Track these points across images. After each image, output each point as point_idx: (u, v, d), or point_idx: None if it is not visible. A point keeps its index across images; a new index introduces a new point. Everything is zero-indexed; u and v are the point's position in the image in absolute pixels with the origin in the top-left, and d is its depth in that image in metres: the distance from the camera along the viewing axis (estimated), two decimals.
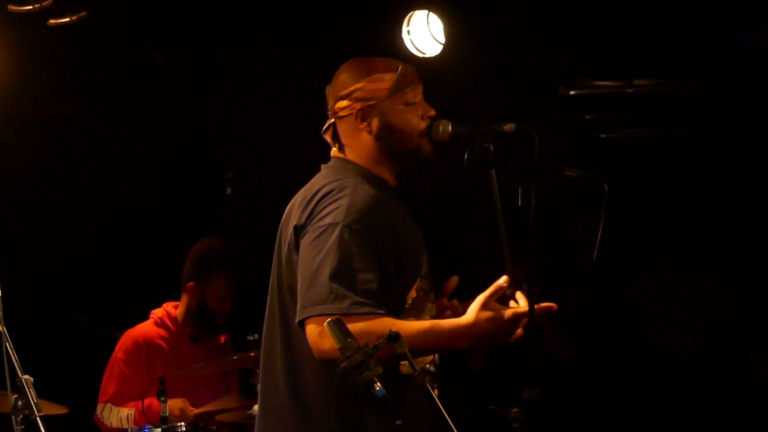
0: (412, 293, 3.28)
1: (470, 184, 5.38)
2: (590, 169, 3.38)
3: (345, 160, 3.40)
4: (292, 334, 3.24)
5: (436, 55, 5.51)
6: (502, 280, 3.19)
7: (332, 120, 3.43)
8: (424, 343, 3.11)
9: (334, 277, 3.11)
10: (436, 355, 3.35)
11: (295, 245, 3.25)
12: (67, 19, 4.98)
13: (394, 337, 2.87)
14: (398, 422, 2.83)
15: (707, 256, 5.95)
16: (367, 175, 3.34)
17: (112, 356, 5.44)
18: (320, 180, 3.35)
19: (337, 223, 3.17)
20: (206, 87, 6.77)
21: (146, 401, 5.17)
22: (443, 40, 5.49)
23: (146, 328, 5.49)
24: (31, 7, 4.78)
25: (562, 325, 5.85)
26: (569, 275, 5.85)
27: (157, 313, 5.54)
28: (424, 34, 5.54)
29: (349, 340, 2.84)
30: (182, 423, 5.06)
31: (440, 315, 3.35)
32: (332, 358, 3.03)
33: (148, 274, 6.38)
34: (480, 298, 3.16)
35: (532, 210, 3.21)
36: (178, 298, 5.56)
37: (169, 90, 6.62)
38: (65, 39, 5.61)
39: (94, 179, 6.50)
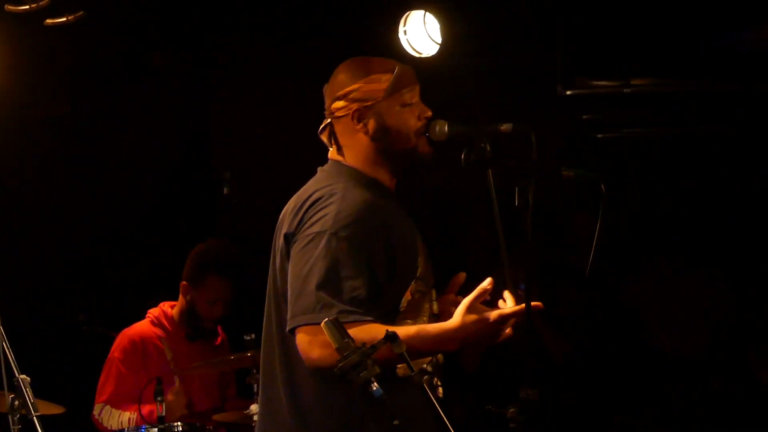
0: (408, 295, 3.29)
1: (468, 184, 5.39)
2: (588, 169, 3.38)
3: (340, 164, 3.40)
4: (288, 341, 3.25)
5: (433, 55, 5.51)
6: (486, 282, 3.21)
7: (329, 120, 3.43)
8: (411, 348, 3.11)
9: (321, 286, 3.13)
10: (440, 355, 3.35)
11: (287, 253, 3.27)
12: (64, 19, 4.97)
13: (392, 336, 2.87)
14: (396, 422, 2.82)
15: (706, 256, 5.95)
16: (361, 178, 3.34)
17: (109, 356, 5.44)
18: (311, 186, 3.36)
19: (325, 231, 3.19)
20: (205, 87, 6.77)
21: (147, 408, 5.16)
22: (440, 40, 5.49)
23: (143, 327, 5.49)
24: (27, 7, 4.77)
25: (560, 325, 5.84)
26: (568, 275, 5.85)
27: (153, 312, 5.54)
28: (420, 34, 5.54)
29: (346, 340, 2.85)
30: (179, 423, 5.06)
31: (447, 310, 3.35)
32: (322, 366, 3.08)
33: (146, 273, 6.38)
34: (465, 302, 3.18)
35: (530, 210, 3.21)
36: (176, 298, 5.56)
37: (168, 90, 6.62)
38: (64, 39, 5.60)
39: (93, 179, 6.50)
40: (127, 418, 5.29)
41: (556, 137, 5.61)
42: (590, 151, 5.93)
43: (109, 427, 5.30)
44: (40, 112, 6.22)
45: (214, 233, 6.39)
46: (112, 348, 5.45)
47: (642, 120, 5.95)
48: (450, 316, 3.22)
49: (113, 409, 5.32)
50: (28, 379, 3.38)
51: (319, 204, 3.25)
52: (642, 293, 6.10)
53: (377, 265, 3.21)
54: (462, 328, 3.15)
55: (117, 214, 6.51)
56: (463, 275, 3.43)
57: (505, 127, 3.31)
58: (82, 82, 6.28)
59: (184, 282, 5.47)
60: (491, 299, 3.29)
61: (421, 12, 5.54)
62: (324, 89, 3.47)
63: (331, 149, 3.45)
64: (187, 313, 5.47)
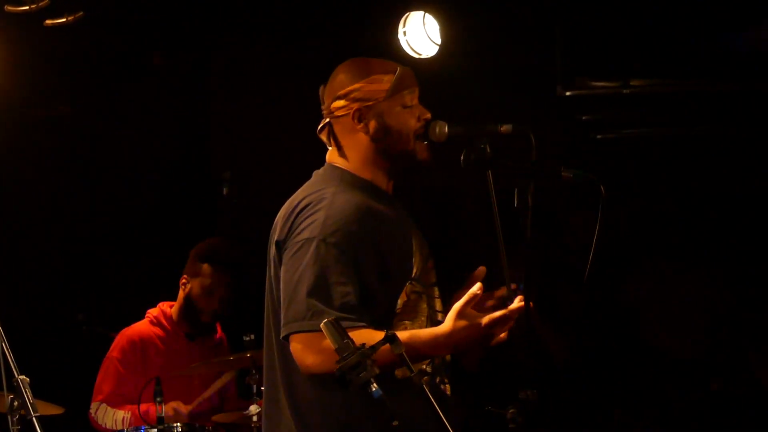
0: (403, 297, 3.29)
1: (467, 185, 5.39)
2: (587, 170, 3.37)
3: (333, 167, 3.40)
4: (286, 346, 3.25)
5: (433, 56, 5.51)
6: (476, 287, 3.19)
7: (327, 120, 3.43)
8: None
9: (311, 293, 3.14)
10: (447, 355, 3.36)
11: (279, 260, 3.28)
12: (64, 20, 4.97)
13: (391, 337, 2.87)
14: (395, 423, 2.82)
15: (706, 256, 5.96)
16: (354, 182, 3.34)
17: (108, 355, 5.44)
18: (302, 191, 3.36)
19: (314, 238, 3.19)
20: (205, 87, 6.77)
21: (143, 407, 5.16)
22: (439, 41, 5.49)
23: (142, 327, 5.49)
24: (27, 7, 4.77)
25: (560, 326, 5.85)
26: (567, 275, 5.85)
27: (152, 312, 5.55)
28: (420, 35, 5.54)
29: (346, 341, 2.84)
30: (178, 423, 5.06)
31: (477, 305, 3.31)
32: (316, 372, 3.11)
33: (146, 273, 6.38)
34: (455, 307, 3.17)
35: (530, 210, 3.21)
36: (175, 299, 5.56)
37: (168, 90, 6.62)
38: (64, 39, 5.61)
39: (93, 179, 6.51)
40: (121, 417, 5.28)
41: (555, 138, 5.62)
42: (590, 152, 5.94)
43: (104, 425, 5.30)
44: (40, 112, 6.23)
45: (214, 233, 6.39)
46: (111, 347, 5.45)
47: (641, 120, 5.96)
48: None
49: (108, 408, 5.32)
50: (28, 379, 3.38)
51: (308, 210, 3.25)
52: (642, 293, 6.11)
53: (367, 270, 3.21)
54: (453, 333, 3.14)
55: (117, 214, 6.51)
56: (483, 269, 3.41)
57: (505, 127, 3.31)
58: (82, 82, 6.28)
59: (184, 277, 5.49)
60: (495, 304, 3.29)
61: (421, 13, 5.54)
62: (320, 90, 3.47)
63: (330, 149, 3.45)
64: (185, 307, 5.48)
